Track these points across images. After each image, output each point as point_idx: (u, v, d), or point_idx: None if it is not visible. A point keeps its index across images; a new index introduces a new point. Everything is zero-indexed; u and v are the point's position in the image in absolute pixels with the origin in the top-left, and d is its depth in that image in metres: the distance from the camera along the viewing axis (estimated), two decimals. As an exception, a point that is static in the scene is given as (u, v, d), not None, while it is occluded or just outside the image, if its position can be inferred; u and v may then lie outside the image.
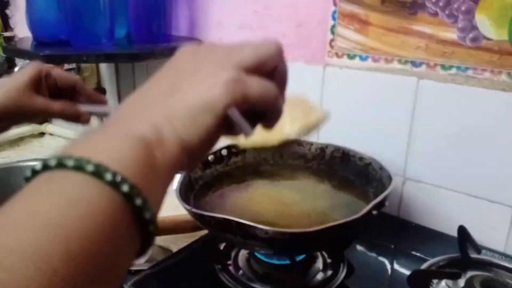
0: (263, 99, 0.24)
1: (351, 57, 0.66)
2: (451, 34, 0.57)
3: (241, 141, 0.40)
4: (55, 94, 0.47)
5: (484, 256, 0.52)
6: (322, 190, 0.55)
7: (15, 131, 1.02)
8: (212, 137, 0.23)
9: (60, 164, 0.18)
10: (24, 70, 0.45)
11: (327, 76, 0.67)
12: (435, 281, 0.47)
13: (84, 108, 0.46)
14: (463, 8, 0.55)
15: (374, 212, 0.43)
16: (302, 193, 0.54)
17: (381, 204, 0.44)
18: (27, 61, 0.94)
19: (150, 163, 0.20)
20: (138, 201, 0.18)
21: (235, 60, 0.24)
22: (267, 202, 0.52)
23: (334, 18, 0.66)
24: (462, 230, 0.51)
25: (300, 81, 0.70)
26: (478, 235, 0.54)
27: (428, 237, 0.59)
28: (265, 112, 0.25)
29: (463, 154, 0.57)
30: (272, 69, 0.25)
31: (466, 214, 0.57)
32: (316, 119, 0.44)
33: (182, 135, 0.22)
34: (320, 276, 0.49)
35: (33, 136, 1.08)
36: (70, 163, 0.18)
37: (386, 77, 0.61)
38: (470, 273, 0.48)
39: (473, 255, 0.50)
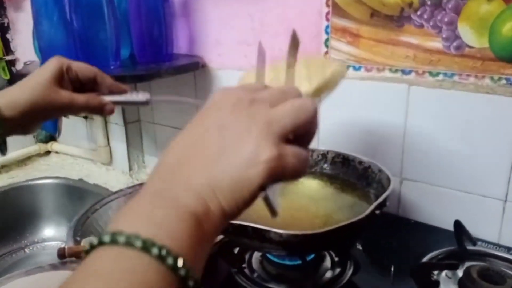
0: (297, 171, 0.25)
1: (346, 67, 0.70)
2: (436, 44, 0.61)
3: None
4: (77, 88, 0.47)
5: (479, 247, 0.56)
6: (326, 193, 0.59)
7: (22, 151, 1.05)
8: (248, 205, 0.25)
9: (113, 241, 0.21)
10: (46, 65, 0.45)
11: (323, 86, 0.72)
12: (435, 272, 0.50)
13: (107, 98, 0.46)
14: (446, 20, 0.60)
15: (377, 212, 0.47)
16: (308, 197, 0.58)
17: (383, 204, 0.48)
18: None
19: (199, 235, 0.23)
20: (182, 272, 0.20)
21: (276, 131, 0.24)
22: (282, 206, 0.56)
23: (327, 32, 0.71)
24: (457, 224, 0.55)
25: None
26: (472, 228, 0.58)
27: (426, 232, 0.63)
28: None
29: (455, 153, 0.61)
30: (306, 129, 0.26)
31: (461, 209, 0.61)
32: (333, 72, 0.41)
33: (224, 206, 0.24)
34: (329, 274, 0.52)
35: (39, 155, 1.11)
36: (121, 239, 0.20)
37: (379, 85, 0.66)
38: (467, 264, 0.52)
39: (469, 247, 0.54)
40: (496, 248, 0.56)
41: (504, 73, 0.57)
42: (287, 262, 0.52)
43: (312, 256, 0.53)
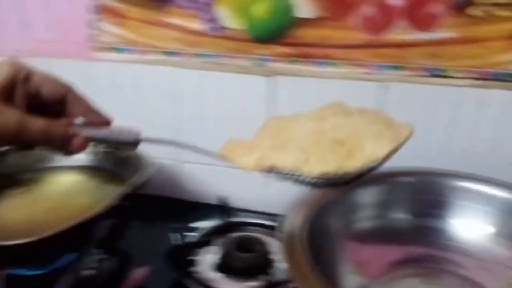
0: None
1: (114, 50, 0.66)
2: (199, 25, 0.62)
3: (308, 169, 0.32)
4: (35, 107, 0.32)
5: (242, 218, 0.59)
6: (90, 187, 0.55)
7: None
8: None
9: None
10: None
11: (93, 70, 0.66)
12: (195, 251, 0.51)
13: (82, 132, 0.32)
14: (207, 2, 0.61)
15: (125, 203, 0.45)
16: (67, 194, 0.53)
17: (136, 190, 0.46)
18: None
19: None
20: None
21: None
22: (23, 213, 0.49)
23: (94, 13, 0.65)
24: (220, 198, 0.58)
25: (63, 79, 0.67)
26: (238, 200, 0.61)
27: (198, 209, 0.64)
28: None
29: (222, 129, 0.63)
30: None
31: (225, 183, 0.64)
32: (407, 133, 0.35)
33: None
34: (88, 273, 0.49)
35: None
36: None
37: (149, 69, 0.64)
38: (229, 236, 0.53)
39: (233, 219, 0.57)
40: (258, 216, 0.60)
41: (258, 53, 0.61)
42: (35, 272, 0.46)
43: (69, 259, 0.48)
